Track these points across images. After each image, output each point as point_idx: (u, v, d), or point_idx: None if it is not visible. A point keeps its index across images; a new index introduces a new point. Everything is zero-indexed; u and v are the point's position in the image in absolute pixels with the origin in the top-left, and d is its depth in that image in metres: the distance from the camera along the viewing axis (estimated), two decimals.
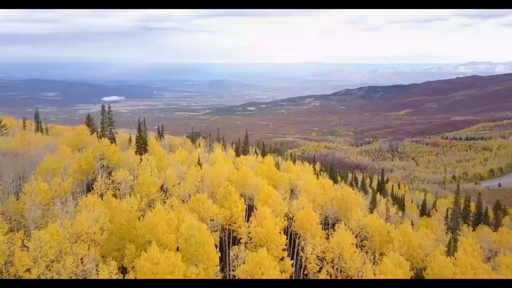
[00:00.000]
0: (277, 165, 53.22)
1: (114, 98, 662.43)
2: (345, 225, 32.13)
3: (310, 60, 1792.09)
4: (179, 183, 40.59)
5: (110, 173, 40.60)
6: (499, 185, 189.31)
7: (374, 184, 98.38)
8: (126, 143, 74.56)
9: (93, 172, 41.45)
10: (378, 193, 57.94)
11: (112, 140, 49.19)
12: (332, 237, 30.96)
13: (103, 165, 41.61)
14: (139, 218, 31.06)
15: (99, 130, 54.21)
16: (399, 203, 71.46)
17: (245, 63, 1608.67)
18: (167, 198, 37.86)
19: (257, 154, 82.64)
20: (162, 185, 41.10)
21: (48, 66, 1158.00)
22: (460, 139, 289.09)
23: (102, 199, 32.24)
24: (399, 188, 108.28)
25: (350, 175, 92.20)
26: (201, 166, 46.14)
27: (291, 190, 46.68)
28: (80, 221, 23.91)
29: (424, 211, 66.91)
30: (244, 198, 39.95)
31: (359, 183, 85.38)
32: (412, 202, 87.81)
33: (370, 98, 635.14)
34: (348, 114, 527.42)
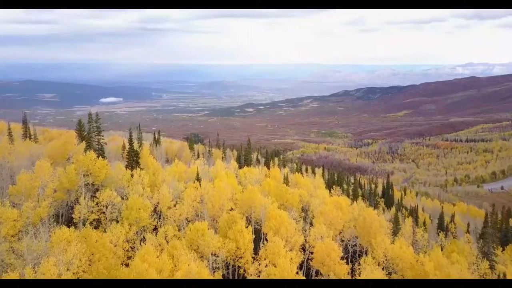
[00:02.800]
0: (285, 179, 47.42)
1: (112, 99, 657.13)
2: (373, 258, 26.91)
3: (308, 61, 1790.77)
4: (175, 205, 35.31)
5: (96, 192, 35.39)
6: (502, 188, 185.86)
7: (379, 189, 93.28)
8: (120, 151, 68.68)
9: (77, 190, 36.18)
10: (396, 210, 51.72)
11: (100, 152, 43.69)
12: (358, 275, 25.88)
13: (88, 183, 36.25)
14: (127, 250, 25.96)
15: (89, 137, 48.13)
16: (413, 215, 66.55)
17: (244, 64, 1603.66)
18: (161, 225, 32.60)
19: (259, 161, 77.39)
20: (156, 207, 35.75)
21: (46, 67, 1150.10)
22: (461, 141, 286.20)
23: (83, 228, 27.10)
24: (405, 194, 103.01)
25: (353, 179, 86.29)
26: (200, 182, 40.57)
27: (302, 208, 41.41)
28: (47, 268, 18.68)
29: (442, 226, 61.71)
30: (251, 222, 34.57)
31: (365, 190, 79.89)
32: (423, 210, 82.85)
33: (368, 99, 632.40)
34: (346, 116, 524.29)
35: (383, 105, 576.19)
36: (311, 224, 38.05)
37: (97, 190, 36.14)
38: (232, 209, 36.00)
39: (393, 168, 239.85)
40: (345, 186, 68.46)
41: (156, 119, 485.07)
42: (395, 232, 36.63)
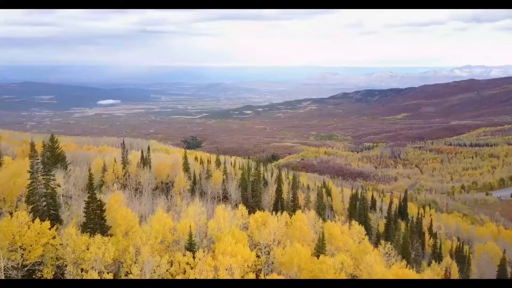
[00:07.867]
0: (321, 241, 32.88)
1: (110, 101, 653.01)
2: None
3: (307, 63, 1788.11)
4: None
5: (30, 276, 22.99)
6: None
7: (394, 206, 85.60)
8: (100, 174, 53.12)
9: None
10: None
11: (50, 201, 28.61)
12: None
13: (14, 266, 22.26)
14: None
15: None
16: (459, 255, 58.97)
17: (242, 66, 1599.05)
18: None
19: (266, 183, 67.80)
20: None
21: (45, 69, 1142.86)
22: (464, 145, 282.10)
23: None
24: (424, 212, 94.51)
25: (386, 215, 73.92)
26: (194, 254, 27.16)
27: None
28: None
29: (504, 274, 48.51)
30: None
31: (385, 210, 70.66)
32: (461, 241, 73.25)
33: (367, 101, 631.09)
34: (345, 118, 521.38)
35: (382, 108, 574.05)
36: None
37: (32, 271, 23.11)
38: None
39: (396, 173, 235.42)
40: (369, 215, 60.73)
41: (154, 121, 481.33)
42: None
